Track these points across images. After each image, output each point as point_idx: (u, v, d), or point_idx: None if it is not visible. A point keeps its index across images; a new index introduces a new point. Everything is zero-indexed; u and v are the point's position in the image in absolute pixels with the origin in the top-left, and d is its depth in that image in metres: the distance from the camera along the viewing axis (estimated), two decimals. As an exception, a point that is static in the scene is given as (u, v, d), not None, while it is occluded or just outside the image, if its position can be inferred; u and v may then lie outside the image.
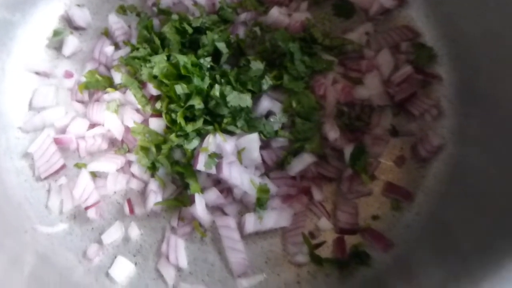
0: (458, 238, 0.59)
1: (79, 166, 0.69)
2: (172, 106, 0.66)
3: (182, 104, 0.65)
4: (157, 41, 0.71)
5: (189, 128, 0.64)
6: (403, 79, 0.73)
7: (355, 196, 0.68)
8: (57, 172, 0.69)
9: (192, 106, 0.64)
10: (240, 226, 0.65)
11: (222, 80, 0.66)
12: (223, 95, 0.64)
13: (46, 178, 0.69)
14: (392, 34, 0.77)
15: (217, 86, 0.64)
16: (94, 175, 0.68)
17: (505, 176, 0.58)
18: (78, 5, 0.79)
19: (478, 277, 0.51)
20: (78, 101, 0.73)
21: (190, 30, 0.71)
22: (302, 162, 0.66)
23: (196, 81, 0.64)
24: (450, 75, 0.73)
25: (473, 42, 0.69)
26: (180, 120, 0.64)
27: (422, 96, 0.72)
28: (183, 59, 0.65)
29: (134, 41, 0.75)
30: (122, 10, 0.80)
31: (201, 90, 0.65)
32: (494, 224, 0.56)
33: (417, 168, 0.69)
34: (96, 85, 0.72)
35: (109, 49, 0.75)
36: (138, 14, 0.79)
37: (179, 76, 0.66)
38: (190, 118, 0.66)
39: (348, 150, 0.67)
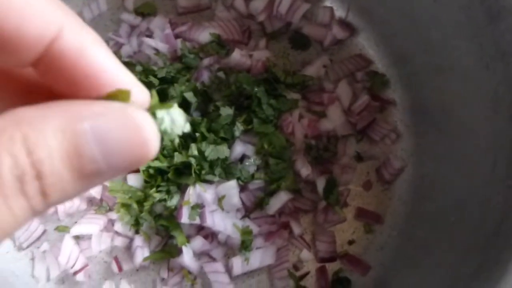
0: (429, 251, 0.65)
1: (60, 229, 0.69)
2: (150, 162, 0.67)
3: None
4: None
5: (170, 183, 0.66)
6: (362, 107, 0.78)
7: (331, 224, 0.73)
8: (38, 239, 0.69)
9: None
10: (229, 269, 0.69)
11: (196, 134, 0.68)
12: (201, 152, 0.66)
13: (28, 246, 0.69)
14: (347, 64, 0.81)
15: (193, 146, 0.66)
16: (77, 237, 0.69)
17: (461, 182, 0.65)
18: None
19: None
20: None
21: (156, 82, 0.72)
22: (280, 200, 0.70)
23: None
24: (403, 99, 0.79)
25: (419, 67, 0.75)
26: (159, 176, 0.66)
27: (381, 121, 0.78)
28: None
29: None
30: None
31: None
32: (460, 227, 0.62)
33: (383, 190, 0.75)
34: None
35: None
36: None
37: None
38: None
39: (320, 183, 0.72)
